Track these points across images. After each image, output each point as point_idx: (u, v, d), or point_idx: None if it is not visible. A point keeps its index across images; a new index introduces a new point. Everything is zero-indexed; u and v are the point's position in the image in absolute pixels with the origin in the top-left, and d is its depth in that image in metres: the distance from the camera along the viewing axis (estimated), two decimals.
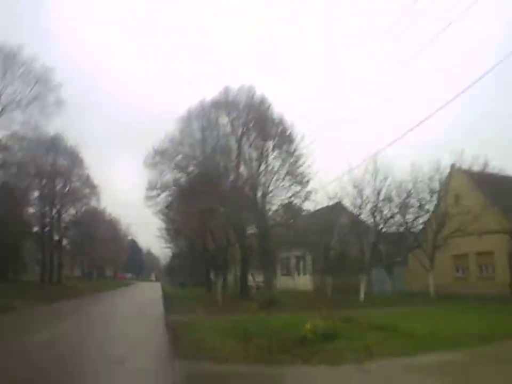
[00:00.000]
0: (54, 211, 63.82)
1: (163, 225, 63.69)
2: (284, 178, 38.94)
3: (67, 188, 64.47)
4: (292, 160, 39.00)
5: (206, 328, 19.21)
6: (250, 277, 45.18)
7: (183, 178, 42.48)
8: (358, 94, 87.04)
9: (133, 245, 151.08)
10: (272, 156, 39.67)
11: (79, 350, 15.22)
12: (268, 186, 38.87)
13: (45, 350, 14.75)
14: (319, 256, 46.79)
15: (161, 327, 21.79)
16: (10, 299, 32.29)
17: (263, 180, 39.05)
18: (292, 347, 13.58)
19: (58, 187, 63.07)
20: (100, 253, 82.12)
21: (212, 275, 60.25)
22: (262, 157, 39.35)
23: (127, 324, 24.67)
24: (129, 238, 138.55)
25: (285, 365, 11.90)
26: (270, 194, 38.87)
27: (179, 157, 40.72)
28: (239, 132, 40.47)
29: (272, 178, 39.01)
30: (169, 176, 41.91)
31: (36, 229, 62.10)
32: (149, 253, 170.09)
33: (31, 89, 39.90)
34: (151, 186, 42.39)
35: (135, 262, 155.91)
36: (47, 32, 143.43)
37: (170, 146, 41.14)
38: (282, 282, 55.41)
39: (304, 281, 54.01)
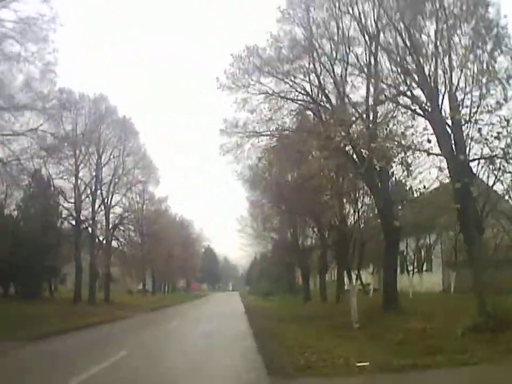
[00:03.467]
0: (98, 202, 46.42)
1: (248, 206, 50.39)
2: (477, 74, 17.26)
3: (119, 171, 47.66)
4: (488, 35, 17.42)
5: None
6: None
7: (282, 111, 25.31)
8: None
9: (208, 252, 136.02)
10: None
11: None
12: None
13: None
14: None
15: None
16: None
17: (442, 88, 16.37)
18: None
19: (103, 169, 46.70)
20: (168, 261, 65.79)
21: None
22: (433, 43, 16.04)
23: None
24: (205, 244, 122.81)
25: None
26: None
27: (271, 66, 23.40)
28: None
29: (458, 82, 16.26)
30: (257, 105, 24.55)
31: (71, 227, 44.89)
32: (226, 261, 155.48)
33: None
34: (229, 127, 24.79)
35: (211, 272, 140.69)
36: None
37: (257, 54, 22.98)
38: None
39: (433, 281, 37.09)
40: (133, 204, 52.53)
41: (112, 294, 50.43)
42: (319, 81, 23.84)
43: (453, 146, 15.55)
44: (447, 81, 16.11)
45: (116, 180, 47.83)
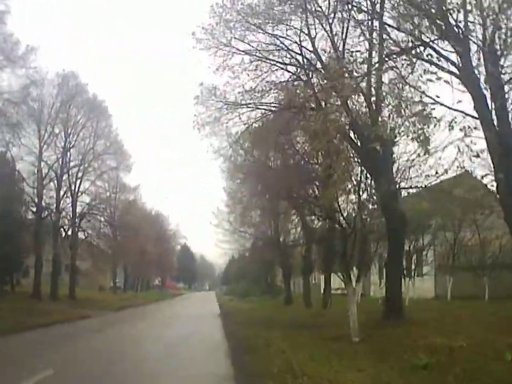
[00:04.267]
0: (64, 188, 42.28)
1: (226, 198, 45.84)
2: None
3: (89, 156, 43.80)
4: None
5: None
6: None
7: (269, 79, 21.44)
8: None
9: (184, 250, 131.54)
10: None
11: None
12: None
13: None
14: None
15: None
16: None
17: None
18: None
19: (71, 151, 42.77)
20: (141, 255, 61.77)
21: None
22: None
23: None
24: (181, 241, 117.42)
25: None
26: None
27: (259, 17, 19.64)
28: None
29: None
30: (240, 71, 20.69)
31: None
32: (203, 259, 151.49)
33: None
34: (205, 94, 20.75)
35: (187, 270, 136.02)
36: None
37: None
38: (376, 289, 38.61)
39: (424, 286, 34.48)
40: (103, 192, 48.41)
41: (81, 290, 46.72)
42: (313, 43, 20.28)
43: (492, 111, 12.00)
44: (479, 32, 12.61)
45: (86, 165, 43.92)
